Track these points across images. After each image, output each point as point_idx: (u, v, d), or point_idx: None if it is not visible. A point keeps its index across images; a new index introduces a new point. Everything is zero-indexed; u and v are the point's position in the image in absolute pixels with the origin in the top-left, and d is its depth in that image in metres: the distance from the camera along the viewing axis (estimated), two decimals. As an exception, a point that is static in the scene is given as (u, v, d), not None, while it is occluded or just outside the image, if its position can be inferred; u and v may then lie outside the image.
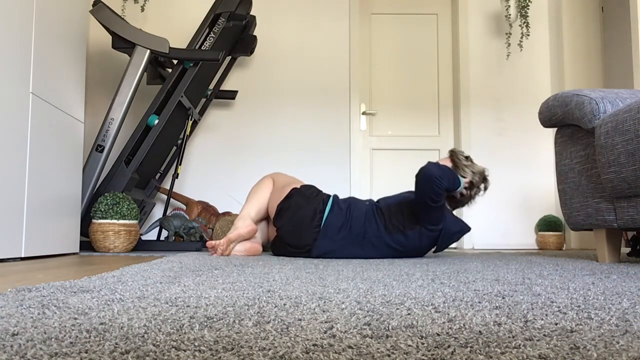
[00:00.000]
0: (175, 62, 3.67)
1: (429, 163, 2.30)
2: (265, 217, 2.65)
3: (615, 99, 2.05)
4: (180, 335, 0.58)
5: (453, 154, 2.52)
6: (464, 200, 2.53)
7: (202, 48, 3.30)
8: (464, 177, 2.45)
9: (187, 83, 3.16)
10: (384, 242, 2.37)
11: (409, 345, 0.54)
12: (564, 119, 2.21)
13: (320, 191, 2.56)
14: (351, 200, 2.52)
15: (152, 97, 4.04)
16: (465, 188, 2.48)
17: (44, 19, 2.35)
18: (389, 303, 0.84)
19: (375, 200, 2.64)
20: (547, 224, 4.01)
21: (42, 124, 2.33)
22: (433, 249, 2.55)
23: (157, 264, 1.69)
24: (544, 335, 0.60)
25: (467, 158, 2.52)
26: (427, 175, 2.24)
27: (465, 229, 2.46)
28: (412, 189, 4.29)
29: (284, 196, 2.51)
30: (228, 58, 4.00)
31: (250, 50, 3.79)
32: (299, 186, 2.56)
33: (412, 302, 0.85)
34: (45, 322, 0.65)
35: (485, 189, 2.55)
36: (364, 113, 4.30)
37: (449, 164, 2.51)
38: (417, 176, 2.31)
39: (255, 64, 4.17)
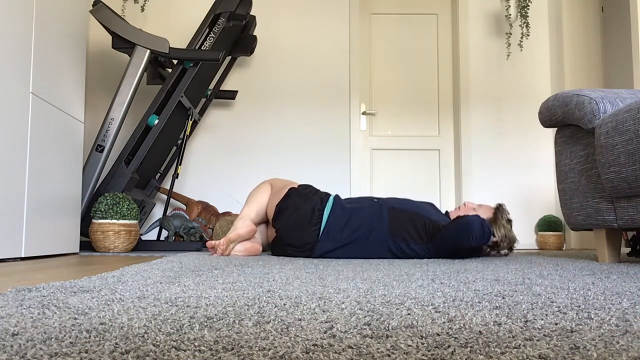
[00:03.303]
0: (175, 62, 3.67)
1: (477, 217, 2.26)
2: (265, 220, 2.65)
3: (615, 99, 2.05)
4: (180, 335, 0.58)
5: (499, 211, 2.48)
6: (479, 251, 2.46)
7: (202, 48, 3.30)
8: (494, 237, 2.41)
9: (187, 83, 3.16)
10: (386, 245, 2.37)
11: (409, 345, 0.54)
12: (564, 119, 2.21)
13: (318, 190, 2.56)
14: (357, 200, 2.52)
15: (152, 97, 4.04)
16: (488, 245, 2.43)
17: (44, 19, 2.35)
18: (389, 303, 0.84)
19: (390, 197, 2.60)
20: (547, 224, 4.01)
21: (42, 124, 2.33)
22: None
23: (157, 264, 1.69)
24: (544, 335, 0.60)
25: (509, 222, 2.48)
26: (468, 230, 2.21)
27: (474, 254, 2.46)
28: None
29: (281, 197, 2.52)
30: (228, 58, 4.00)
31: (250, 50, 3.79)
32: (296, 186, 2.57)
33: (412, 302, 0.85)
34: (45, 322, 0.65)
35: (504, 255, 2.50)
36: (364, 113, 4.30)
37: (490, 215, 2.48)
38: (457, 222, 2.26)
39: (255, 64, 4.17)
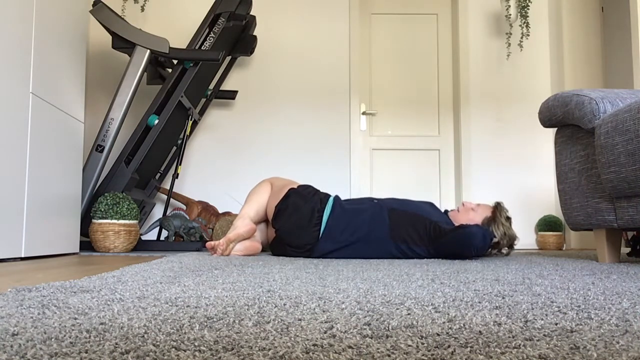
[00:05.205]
0: (175, 62, 3.67)
1: (478, 228, 2.23)
2: (264, 219, 2.65)
3: (615, 99, 2.05)
4: (180, 335, 0.58)
5: (498, 209, 2.46)
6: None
7: (202, 48, 3.30)
8: (494, 236, 2.39)
9: (187, 83, 3.16)
10: (387, 247, 2.36)
11: (409, 345, 0.54)
12: (564, 119, 2.21)
13: (318, 190, 2.56)
14: (357, 201, 2.51)
15: (152, 97, 4.04)
16: (489, 245, 2.40)
17: (44, 19, 2.35)
18: (389, 303, 0.84)
19: (389, 198, 2.59)
20: (547, 224, 4.01)
21: (42, 124, 2.33)
22: None
23: (157, 264, 1.69)
24: (544, 335, 0.60)
25: (508, 219, 2.45)
26: (469, 242, 2.19)
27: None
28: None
29: (281, 197, 2.51)
30: (228, 58, 4.00)
31: (250, 50, 3.79)
32: (296, 187, 2.56)
33: (412, 302, 0.85)
34: (45, 322, 0.65)
35: (506, 254, 2.47)
36: (364, 113, 4.30)
37: (488, 214, 2.46)
38: (459, 232, 2.23)
39: (255, 64, 4.17)
